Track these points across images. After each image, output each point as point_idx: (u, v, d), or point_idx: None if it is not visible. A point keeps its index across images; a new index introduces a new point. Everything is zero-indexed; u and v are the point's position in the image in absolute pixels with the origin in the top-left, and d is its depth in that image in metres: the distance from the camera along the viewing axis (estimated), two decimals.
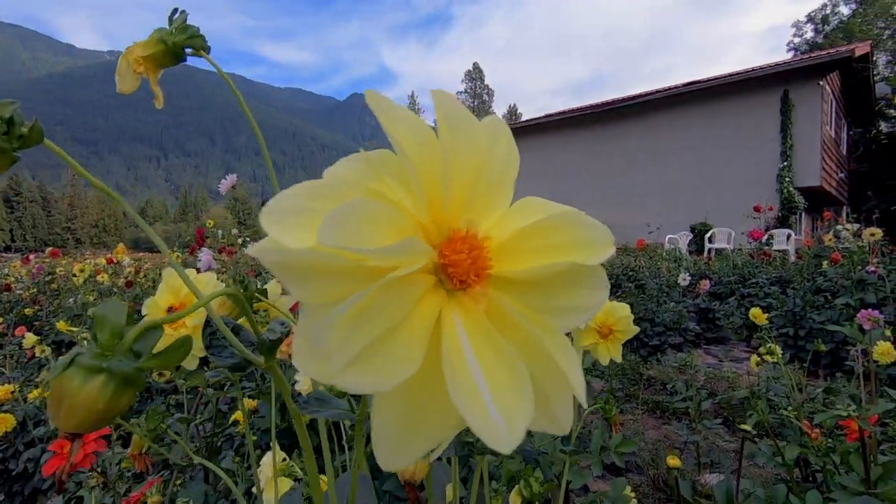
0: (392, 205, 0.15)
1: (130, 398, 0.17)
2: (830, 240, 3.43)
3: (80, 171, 0.24)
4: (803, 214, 9.06)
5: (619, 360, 0.58)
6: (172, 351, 0.18)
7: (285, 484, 0.64)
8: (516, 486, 0.51)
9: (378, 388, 0.13)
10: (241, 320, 0.35)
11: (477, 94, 49.44)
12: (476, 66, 50.40)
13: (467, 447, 0.49)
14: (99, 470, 0.84)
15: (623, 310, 0.56)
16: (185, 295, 0.42)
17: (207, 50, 0.32)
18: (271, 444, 0.60)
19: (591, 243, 0.17)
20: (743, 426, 1.01)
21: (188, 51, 0.32)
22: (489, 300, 0.16)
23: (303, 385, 0.68)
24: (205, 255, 1.21)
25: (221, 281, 0.57)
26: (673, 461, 0.93)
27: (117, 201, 0.25)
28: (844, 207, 10.63)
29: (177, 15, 0.31)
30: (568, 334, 0.20)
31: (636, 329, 0.57)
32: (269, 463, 0.62)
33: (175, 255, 3.58)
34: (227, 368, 0.25)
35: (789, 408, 1.07)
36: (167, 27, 0.31)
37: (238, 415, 1.09)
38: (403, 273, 0.13)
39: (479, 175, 0.17)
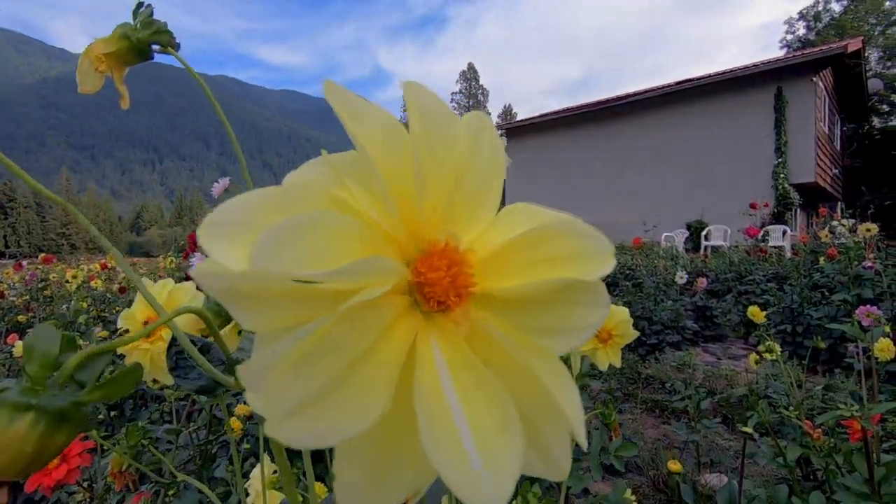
0: (356, 216, 0.13)
1: (69, 436, 0.15)
2: (826, 236, 3.44)
3: (25, 177, 0.22)
4: (798, 211, 9.09)
5: (618, 364, 0.56)
6: (118, 381, 0.16)
7: (275, 498, 0.62)
8: (514, 501, 0.49)
9: (330, 441, 0.10)
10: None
11: (472, 94, 49.46)
12: (471, 67, 50.39)
13: None
14: (85, 484, 0.82)
15: (622, 314, 0.54)
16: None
17: (176, 47, 0.30)
18: (260, 455, 0.58)
19: (589, 256, 0.14)
20: (744, 429, 1.00)
21: (156, 48, 0.30)
22: (472, 323, 0.14)
23: None
24: (197, 259, 1.19)
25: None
26: (674, 466, 0.92)
27: (71, 212, 0.22)
28: (839, 203, 10.67)
29: (142, 9, 0.29)
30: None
31: (636, 333, 0.55)
32: (259, 475, 0.60)
33: (169, 260, 3.56)
34: (195, 391, 0.23)
35: (790, 407, 1.06)
36: (131, 22, 0.29)
37: (233, 421, 1.07)
38: (368, 297, 0.11)
39: (460, 180, 0.15)
